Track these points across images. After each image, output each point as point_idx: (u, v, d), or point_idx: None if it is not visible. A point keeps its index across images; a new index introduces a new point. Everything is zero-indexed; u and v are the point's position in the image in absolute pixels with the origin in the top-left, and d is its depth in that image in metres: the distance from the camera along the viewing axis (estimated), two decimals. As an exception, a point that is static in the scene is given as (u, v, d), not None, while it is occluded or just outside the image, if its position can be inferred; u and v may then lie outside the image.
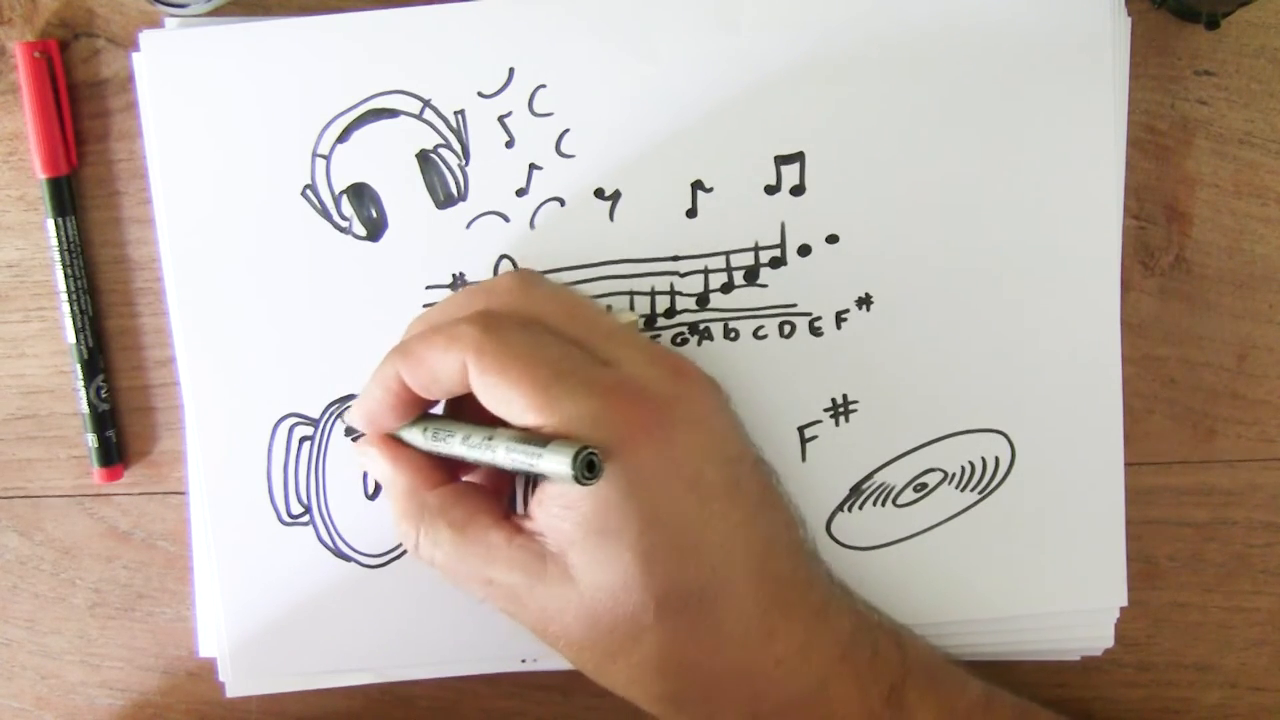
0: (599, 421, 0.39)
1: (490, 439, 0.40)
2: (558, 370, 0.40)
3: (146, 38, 0.45)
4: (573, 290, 0.45)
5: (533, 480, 0.42)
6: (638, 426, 0.40)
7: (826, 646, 0.42)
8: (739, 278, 0.46)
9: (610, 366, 0.41)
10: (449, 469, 0.44)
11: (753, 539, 0.41)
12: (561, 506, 0.40)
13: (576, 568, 0.40)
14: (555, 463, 0.37)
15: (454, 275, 0.46)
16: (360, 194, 0.46)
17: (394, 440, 0.44)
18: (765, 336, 0.47)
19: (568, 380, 0.39)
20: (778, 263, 0.46)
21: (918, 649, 0.46)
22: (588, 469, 0.37)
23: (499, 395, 0.40)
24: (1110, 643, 0.49)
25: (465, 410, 0.43)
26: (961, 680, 0.46)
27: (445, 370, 0.41)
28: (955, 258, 0.46)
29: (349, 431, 0.46)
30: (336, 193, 0.46)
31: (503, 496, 0.45)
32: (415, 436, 0.43)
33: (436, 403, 0.44)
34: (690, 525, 0.40)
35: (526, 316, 0.42)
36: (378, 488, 0.47)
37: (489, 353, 0.40)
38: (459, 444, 0.41)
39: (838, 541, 0.48)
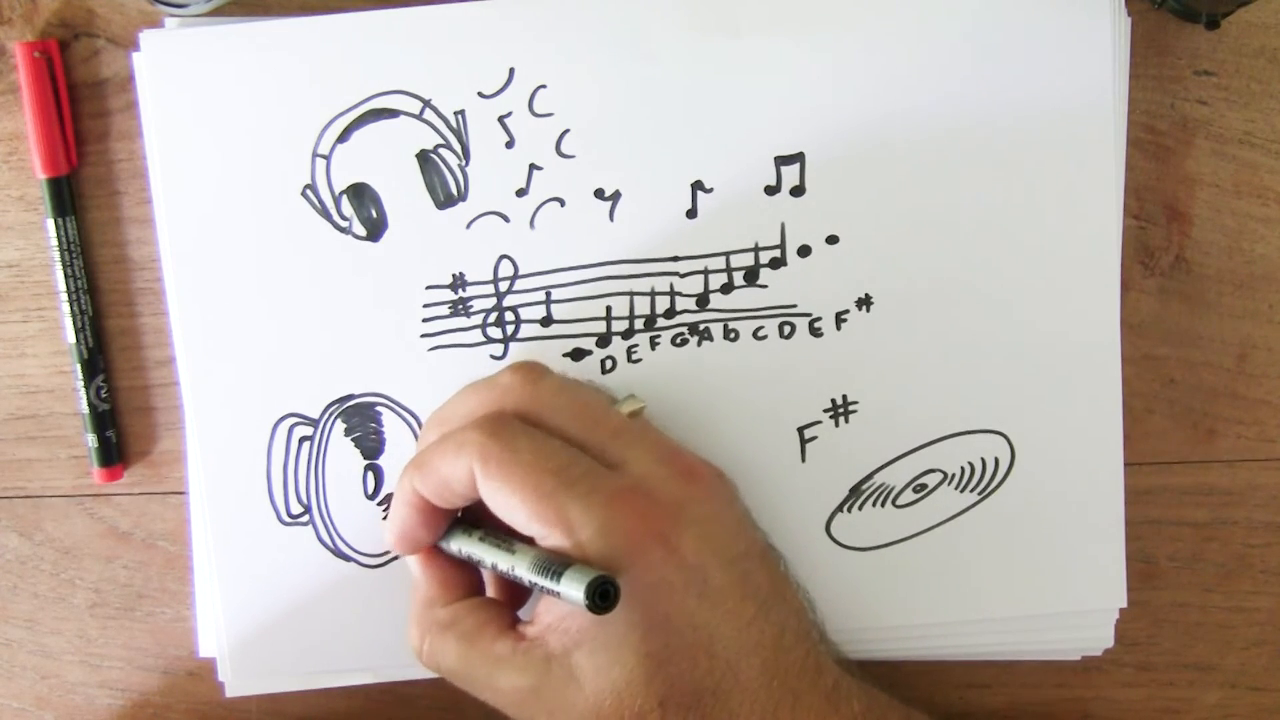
0: (604, 531, 0.39)
1: (513, 558, 0.40)
2: (563, 479, 0.40)
3: (146, 38, 0.45)
4: (579, 384, 0.44)
5: None
6: (644, 535, 0.40)
7: None
8: (739, 278, 0.46)
9: (616, 469, 0.41)
10: (474, 580, 0.45)
11: (765, 633, 0.41)
12: (568, 610, 0.40)
13: (581, 669, 0.40)
14: (571, 590, 0.38)
15: (454, 275, 0.46)
16: (360, 194, 0.46)
17: (430, 548, 0.44)
18: (765, 337, 0.47)
19: (572, 489, 0.39)
20: (777, 263, 0.46)
21: None
22: (601, 597, 0.37)
23: (504, 503, 0.40)
24: (1110, 643, 0.49)
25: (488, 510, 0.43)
26: None
27: (456, 478, 0.41)
28: (955, 258, 0.46)
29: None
30: (336, 193, 0.46)
31: (519, 604, 0.45)
32: (447, 545, 0.44)
33: (460, 511, 0.44)
34: (700, 627, 0.40)
35: (532, 415, 0.42)
36: (377, 487, 0.47)
37: (494, 459, 0.40)
38: (486, 558, 0.42)
39: (837, 542, 0.48)
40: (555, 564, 0.39)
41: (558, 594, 0.38)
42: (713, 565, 0.41)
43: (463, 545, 0.43)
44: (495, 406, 0.42)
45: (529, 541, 0.41)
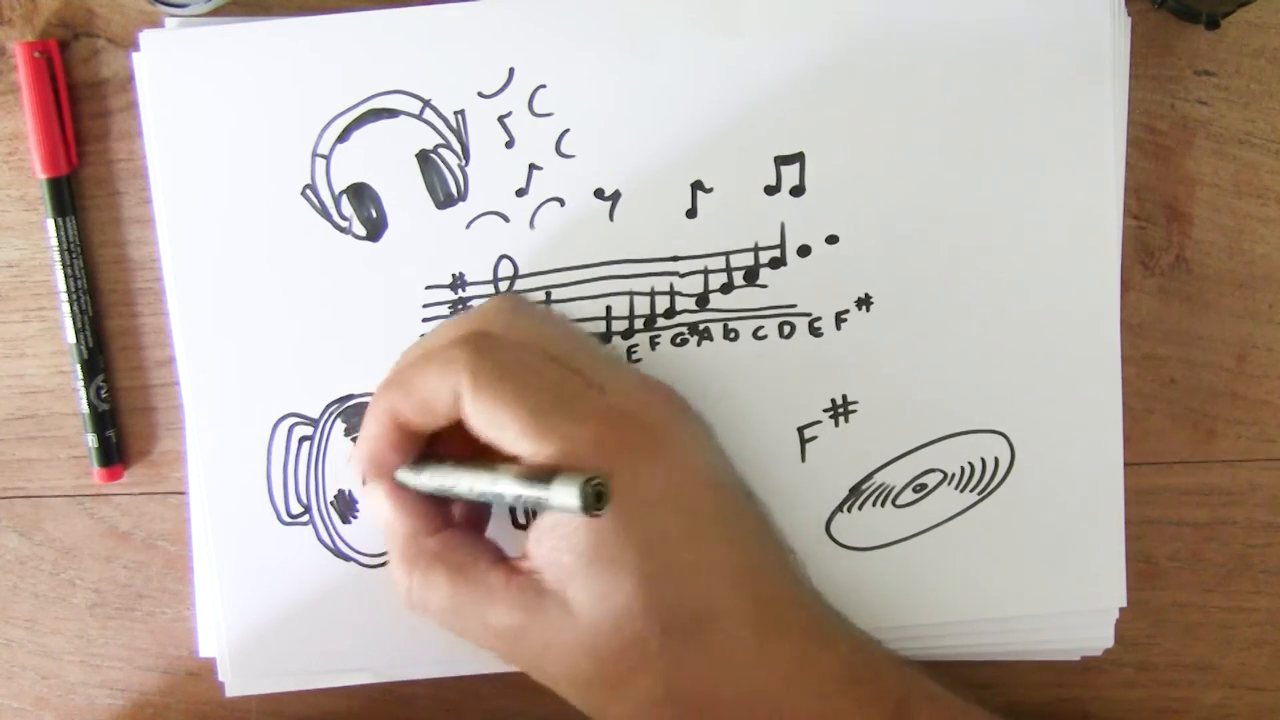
0: (598, 445, 0.39)
1: (495, 475, 0.39)
2: (554, 395, 0.39)
3: (146, 38, 0.45)
4: (562, 315, 0.45)
5: (529, 515, 0.41)
6: (634, 450, 0.39)
7: (826, 664, 0.42)
8: (739, 278, 0.46)
9: (603, 391, 0.41)
10: (446, 515, 0.44)
11: (748, 562, 0.41)
12: (559, 538, 0.39)
13: (576, 601, 0.39)
14: (563, 494, 0.36)
15: (454, 275, 0.46)
16: (360, 194, 0.46)
17: (396, 483, 0.43)
18: (765, 337, 0.47)
19: (565, 406, 0.39)
20: (777, 263, 0.46)
21: (918, 674, 0.45)
22: (596, 499, 0.36)
23: (493, 420, 0.39)
24: (1110, 643, 0.49)
25: (446, 446, 0.42)
26: (964, 705, 0.45)
27: (439, 396, 0.40)
28: (955, 258, 0.46)
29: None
30: (336, 193, 0.46)
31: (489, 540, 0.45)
32: (416, 479, 0.42)
33: (430, 437, 0.43)
34: (688, 548, 0.40)
35: (517, 341, 0.41)
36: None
37: (483, 376, 0.39)
38: (462, 482, 0.41)
39: (837, 542, 0.48)
40: (544, 473, 0.37)
41: (547, 501, 0.37)
42: (701, 489, 0.41)
43: (434, 475, 0.41)
44: (479, 330, 0.42)
45: (510, 462, 0.40)
